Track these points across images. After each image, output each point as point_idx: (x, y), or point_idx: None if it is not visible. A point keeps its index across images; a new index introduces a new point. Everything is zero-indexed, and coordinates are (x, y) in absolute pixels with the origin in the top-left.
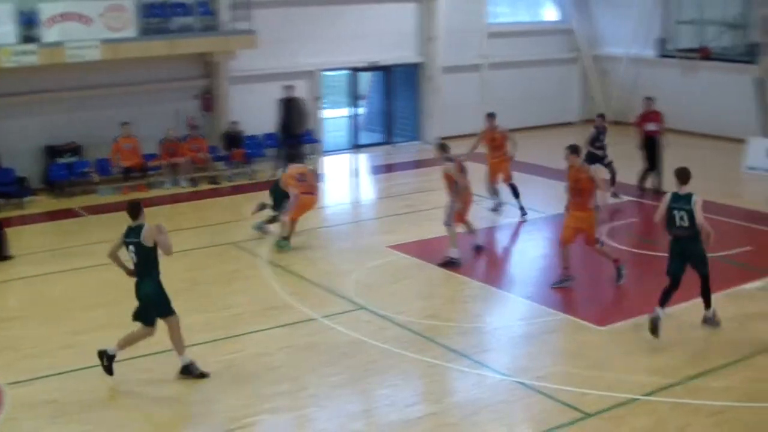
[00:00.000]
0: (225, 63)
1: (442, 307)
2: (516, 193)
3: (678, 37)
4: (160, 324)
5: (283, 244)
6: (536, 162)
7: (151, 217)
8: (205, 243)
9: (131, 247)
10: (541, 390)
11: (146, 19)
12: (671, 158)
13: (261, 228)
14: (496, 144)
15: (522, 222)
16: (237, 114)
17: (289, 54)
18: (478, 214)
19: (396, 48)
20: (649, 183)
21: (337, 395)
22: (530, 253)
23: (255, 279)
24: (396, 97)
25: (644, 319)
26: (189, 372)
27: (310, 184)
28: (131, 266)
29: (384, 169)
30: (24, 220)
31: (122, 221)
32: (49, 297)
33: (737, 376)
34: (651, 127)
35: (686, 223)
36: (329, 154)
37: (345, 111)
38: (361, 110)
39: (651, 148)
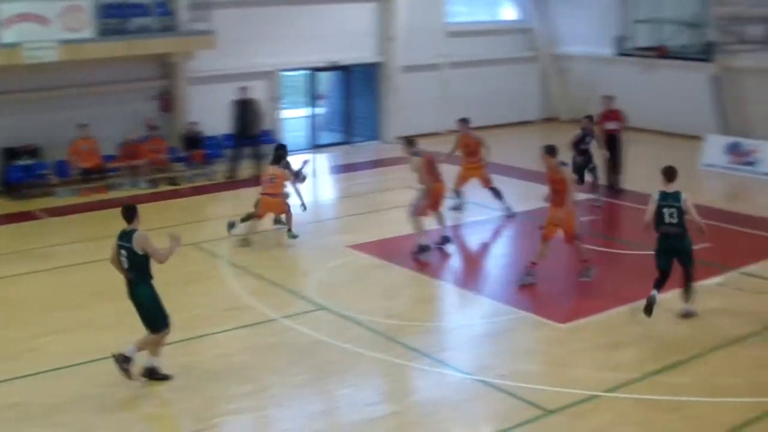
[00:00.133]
0: (183, 63)
1: (404, 306)
2: (499, 196)
3: (636, 35)
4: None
5: (291, 235)
6: (497, 161)
7: (110, 219)
8: (166, 244)
9: (123, 252)
10: (503, 388)
11: (104, 19)
12: (630, 156)
13: (243, 239)
14: (471, 150)
15: (509, 217)
16: (196, 115)
17: (248, 54)
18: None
19: (355, 48)
20: (605, 180)
21: (300, 395)
22: (493, 251)
23: (216, 280)
24: (355, 96)
25: (605, 316)
26: (152, 374)
27: (271, 186)
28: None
29: (343, 168)
30: None
31: (82, 223)
32: (8, 300)
33: (697, 371)
34: (611, 125)
35: (675, 220)
36: (289, 155)
37: (304, 111)
38: (320, 110)
39: (611, 146)
